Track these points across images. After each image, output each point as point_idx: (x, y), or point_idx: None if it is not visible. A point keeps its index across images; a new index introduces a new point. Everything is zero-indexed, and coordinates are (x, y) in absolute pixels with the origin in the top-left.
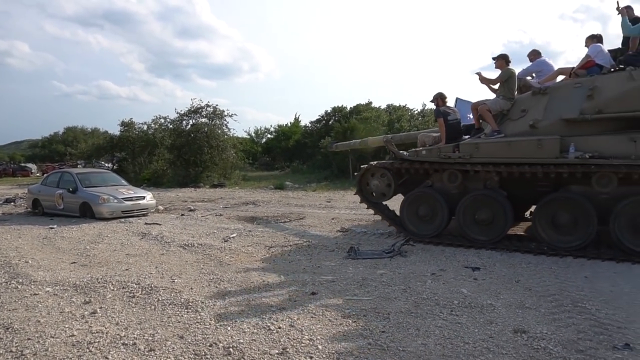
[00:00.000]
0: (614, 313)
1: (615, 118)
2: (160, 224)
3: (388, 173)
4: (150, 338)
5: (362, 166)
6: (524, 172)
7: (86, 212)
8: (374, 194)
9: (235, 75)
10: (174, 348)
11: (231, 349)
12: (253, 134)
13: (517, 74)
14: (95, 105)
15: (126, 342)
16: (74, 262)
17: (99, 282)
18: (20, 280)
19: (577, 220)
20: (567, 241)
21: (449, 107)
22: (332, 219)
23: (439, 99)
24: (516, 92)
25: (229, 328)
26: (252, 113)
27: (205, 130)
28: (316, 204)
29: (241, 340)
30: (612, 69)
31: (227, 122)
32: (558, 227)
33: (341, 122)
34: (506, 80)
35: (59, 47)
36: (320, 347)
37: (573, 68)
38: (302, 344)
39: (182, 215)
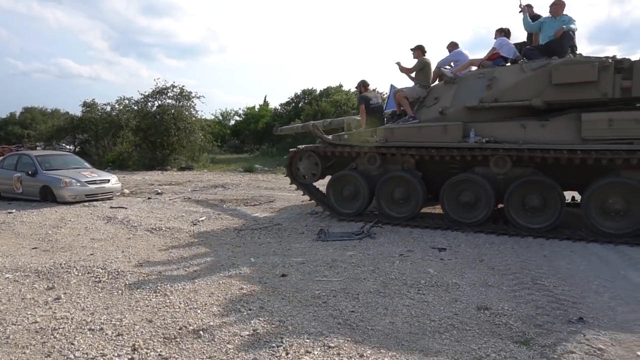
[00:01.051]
0: (570, 289)
1: (509, 106)
2: (126, 208)
3: (315, 156)
4: (118, 323)
5: (290, 150)
6: (432, 155)
7: (47, 196)
8: (305, 177)
9: (202, 55)
10: (142, 332)
11: (201, 332)
12: (220, 116)
13: (437, 63)
14: (54, 84)
15: (93, 327)
16: (36, 248)
17: (62, 268)
18: None
19: (478, 199)
20: (469, 217)
21: (371, 92)
22: (302, 202)
23: (362, 86)
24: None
25: (198, 311)
26: (220, 95)
27: (172, 112)
28: (286, 187)
29: (211, 323)
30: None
31: (195, 104)
32: (462, 205)
33: (312, 104)
34: (421, 69)
35: (13, 22)
36: (290, 327)
37: (482, 59)
38: (273, 325)
39: (149, 198)
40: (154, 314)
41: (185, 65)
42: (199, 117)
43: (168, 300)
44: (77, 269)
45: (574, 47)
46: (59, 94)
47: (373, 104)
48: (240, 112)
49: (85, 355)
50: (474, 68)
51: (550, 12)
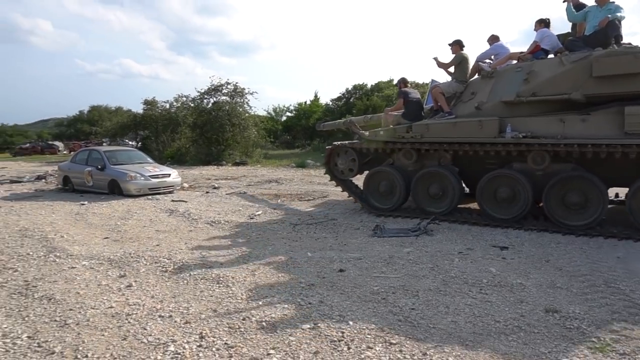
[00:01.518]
0: None
1: (548, 100)
2: (186, 201)
3: (352, 152)
4: (185, 311)
5: (327, 147)
6: (467, 150)
7: (114, 189)
8: (343, 172)
9: (254, 52)
10: (208, 321)
11: (264, 323)
12: (272, 112)
13: (476, 57)
14: (118, 83)
15: (162, 314)
16: (107, 237)
17: (131, 257)
18: (58, 254)
19: (516, 195)
20: (506, 214)
21: (411, 89)
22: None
23: (402, 83)
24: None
25: (260, 302)
26: (271, 91)
27: (226, 108)
28: None
29: (273, 315)
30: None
31: (248, 100)
32: (499, 201)
33: (362, 99)
34: (458, 64)
35: (81, 25)
36: (351, 323)
37: (522, 52)
38: (333, 319)
39: (207, 192)
40: (218, 304)
41: (238, 62)
42: (252, 113)
43: (230, 291)
44: (145, 259)
45: (619, 37)
46: (122, 93)
47: (411, 97)
48: (292, 107)
49: (157, 340)
50: (514, 62)
51: (595, 1)
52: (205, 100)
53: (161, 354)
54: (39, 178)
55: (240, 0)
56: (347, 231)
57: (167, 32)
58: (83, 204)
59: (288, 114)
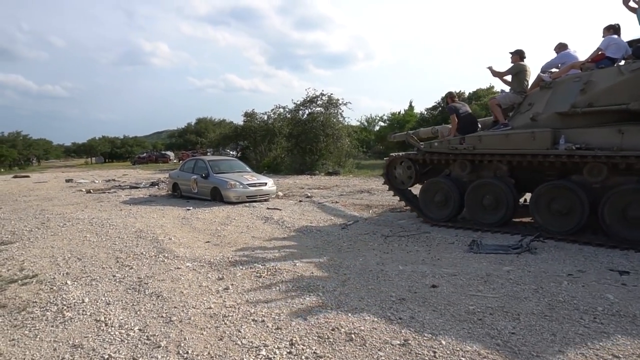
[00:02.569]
0: None
1: (605, 111)
2: (280, 210)
3: (410, 163)
4: (277, 317)
5: (385, 158)
6: (520, 162)
7: (216, 196)
8: (402, 182)
9: (350, 63)
10: (298, 329)
11: (353, 335)
12: (366, 122)
13: (541, 67)
14: (221, 97)
15: (256, 318)
16: (208, 242)
17: (229, 261)
18: (166, 255)
19: (572, 207)
20: (561, 226)
21: (459, 102)
22: None
23: (449, 97)
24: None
25: (349, 314)
26: (365, 101)
27: (320, 119)
28: None
29: (362, 328)
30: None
31: (342, 111)
32: (553, 213)
33: None
34: (516, 74)
35: (192, 46)
36: (444, 342)
37: (584, 61)
38: (425, 338)
39: (300, 201)
40: (308, 312)
41: (333, 74)
42: (345, 123)
43: (320, 301)
44: (241, 264)
45: None
46: (225, 106)
47: (462, 112)
48: (385, 117)
49: (251, 343)
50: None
51: None
52: (300, 112)
53: (253, 357)
54: (152, 184)
55: (337, 14)
56: (441, 245)
57: (267, 47)
58: (189, 209)
59: (381, 123)
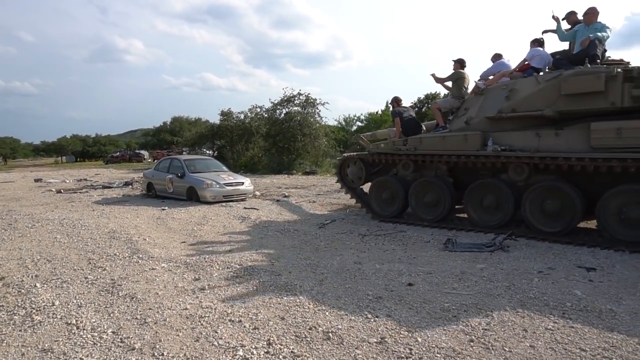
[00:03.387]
0: None
1: (525, 116)
2: (257, 209)
3: (360, 163)
4: (254, 317)
5: (338, 158)
6: (455, 162)
7: (192, 196)
8: (353, 181)
9: (328, 63)
10: (275, 328)
11: (330, 334)
12: (344, 122)
13: (480, 75)
14: (198, 95)
15: (232, 319)
16: (184, 242)
17: (205, 261)
18: (141, 256)
19: (500, 203)
20: (490, 220)
21: (404, 107)
22: None
23: (394, 102)
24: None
25: (327, 313)
26: (343, 101)
27: (298, 118)
28: None
29: (339, 326)
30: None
31: (319, 111)
32: (484, 208)
33: None
34: (455, 81)
35: (168, 43)
36: (419, 339)
37: (513, 70)
38: (401, 335)
39: (278, 201)
40: (285, 312)
41: (311, 73)
42: (323, 123)
43: (298, 300)
44: (217, 264)
45: (596, 56)
46: (201, 104)
47: (406, 116)
48: (362, 117)
49: (227, 344)
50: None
51: (583, 21)
52: (278, 111)
53: (230, 358)
54: (126, 184)
55: (316, 13)
56: (417, 244)
57: (245, 46)
58: (164, 209)
59: (359, 123)
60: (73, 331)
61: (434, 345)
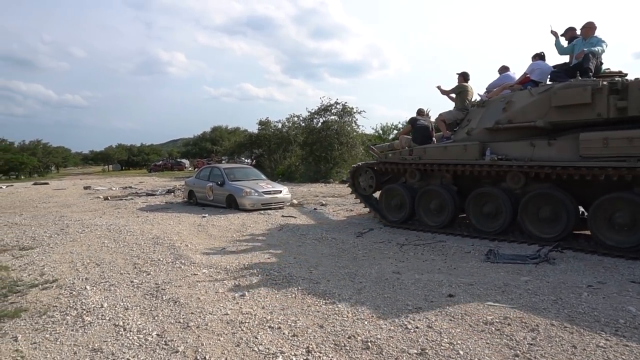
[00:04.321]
0: None
1: (520, 127)
2: (295, 217)
3: (371, 171)
4: (293, 324)
5: (352, 166)
6: (456, 170)
7: (231, 204)
8: (365, 189)
9: (365, 72)
10: (314, 336)
11: (369, 344)
12: (381, 131)
13: (487, 86)
14: (237, 106)
15: (272, 325)
16: (224, 248)
17: (245, 268)
18: (183, 261)
19: (498, 210)
20: (490, 226)
21: (422, 117)
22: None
23: (418, 113)
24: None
25: (366, 322)
26: (381, 109)
27: (335, 127)
28: None
29: (379, 336)
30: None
31: (357, 119)
32: (484, 215)
33: None
34: (459, 94)
35: (209, 55)
36: (461, 352)
37: (514, 83)
38: (442, 347)
39: (315, 209)
40: (324, 320)
41: (348, 82)
42: (360, 132)
43: (336, 308)
44: (257, 271)
45: (588, 69)
46: (240, 114)
47: (420, 124)
48: (400, 126)
49: (267, 350)
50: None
51: (581, 34)
52: (315, 120)
53: None
54: (168, 192)
55: (353, 23)
56: (457, 254)
57: (282, 56)
58: (204, 217)
59: (395, 132)
60: (120, 332)
61: (476, 359)
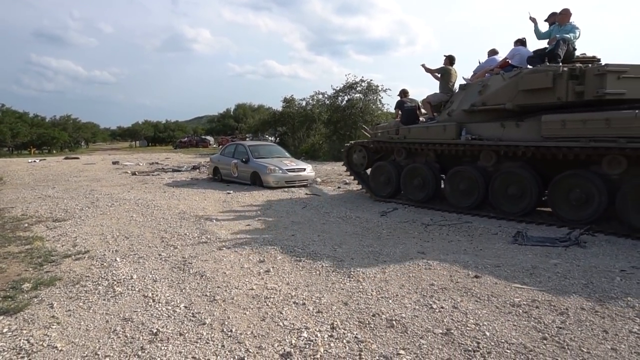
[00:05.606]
0: None
1: (493, 109)
2: (319, 195)
3: (364, 149)
4: (318, 300)
5: (345, 144)
6: (436, 149)
7: (256, 181)
8: (357, 166)
9: (391, 49)
10: (339, 313)
11: (394, 322)
12: None
13: (474, 69)
14: (261, 83)
15: (297, 301)
16: (248, 225)
17: (269, 244)
18: (209, 236)
19: (472, 187)
20: (465, 202)
21: (409, 99)
22: None
23: (402, 93)
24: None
25: (390, 301)
26: (406, 87)
27: (360, 105)
28: None
29: (403, 315)
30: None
31: (381, 97)
32: (461, 192)
33: None
34: (442, 76)
35: (234, 31)
36: (487, 333)
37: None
38: (468, 328)
39: (339, 187)
40: (348, 297)
41: (374, 60)
42: (384, 110)
43: (361, 286)
44: (281, 247)
45: (557, 55)
46: (264, 91)
47: (407, 107)
48: None
49: (292, 325)
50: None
51: (557, 20)
52: (339, 98)
53: (295, 339)
54: (194, 168)
55: None
56: (484, 235)
57: (308, 33)
58: (229, 193)
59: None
60: (149, 303)
61: (503, 341)
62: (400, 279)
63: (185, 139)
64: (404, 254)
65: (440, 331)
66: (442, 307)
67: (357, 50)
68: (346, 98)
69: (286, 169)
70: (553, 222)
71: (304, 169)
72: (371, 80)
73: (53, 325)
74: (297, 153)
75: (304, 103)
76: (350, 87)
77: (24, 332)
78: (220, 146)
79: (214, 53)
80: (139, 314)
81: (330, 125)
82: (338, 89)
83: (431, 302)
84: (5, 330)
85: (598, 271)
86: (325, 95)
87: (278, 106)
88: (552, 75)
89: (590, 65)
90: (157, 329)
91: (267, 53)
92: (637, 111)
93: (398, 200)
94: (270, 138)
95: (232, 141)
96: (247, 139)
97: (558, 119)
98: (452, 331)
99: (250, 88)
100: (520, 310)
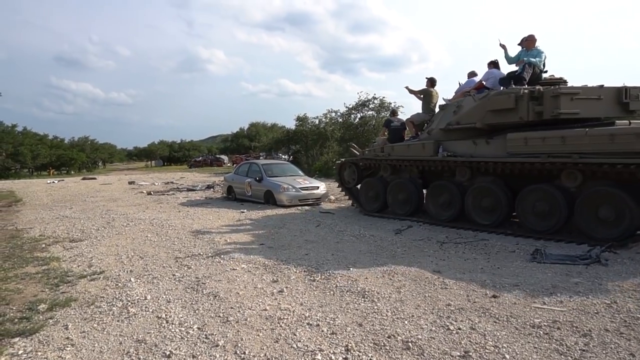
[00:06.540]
0: None
1: (466, 128)
2: (333, 213)
3: (354, 166)
4: (332, 322)
5: (336, 162)
6: (417, 165)
7: (269, 199)
8: (349, 182)
9: (404, 66)
10: (353, 334)
11: (410, 344)
12: None
13: (455, 91)
14: (274, 102)
15: (311, 322)
16: (262, 244)
17: (283, 264)
18: (222, 256)
19: (451, 200)
20: (444, 215)
21: (396, 118)
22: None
23: (391, 113)
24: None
25: (406, 322)
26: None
27: (373, 123)
28: None
29: (419, 336)
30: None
31: None
32: (440, 204)
33: None
34: (424, 97)
35: (247, 52)
36: (507, 356)
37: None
38: (487, 350)
39: (353, 205)
40: (363, 318)
41: (387, 77)
42: None
43: (376, 307)
44: (295, 267)
45: (522, 78)
46: (277, 110)
47: (393, 126)
48: None
49: (306, 347)
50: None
51: (524, 46)
52: (352, 116)
53: None
54: (208, 187)
55: (391, 15)
56: (501, 253)
57: (320, 51)
58: (243, 212)
59: None
60: (163, 325)
61: None
62: (416, 299)
63: (200, 158)
64: (420, 274)
65: (458, 354)
66: (460, 329)
67: (369, 67)
68: (359, 115)
69: (299, 187)
70: (572, 239)
71: (317, 187)
72: (384, 97)
73: (67, 347)
74: (310, 171)
75: (317, 121)
76: (362, 104)
77: (39, 354)
78: (234, 165)
79: (228, 73)
80: (152, 336)
81: (344, 143)
82: (351, 106)
83: (448, 323)
84: (20, 352)
85: (621, 290)
86: (338, 113)
87: (291, 124)
88: (514, 97)
89: (550, 87)
90: (170, 350)
91: (281, 72)
92: (587, 129)
93: (412, 218)
94: (283, 156)
95: (246, 160)
96: (261, 158)
97: (521, 136)
98: (471, 353)
99: (263, 107)
100: (541, 332)
